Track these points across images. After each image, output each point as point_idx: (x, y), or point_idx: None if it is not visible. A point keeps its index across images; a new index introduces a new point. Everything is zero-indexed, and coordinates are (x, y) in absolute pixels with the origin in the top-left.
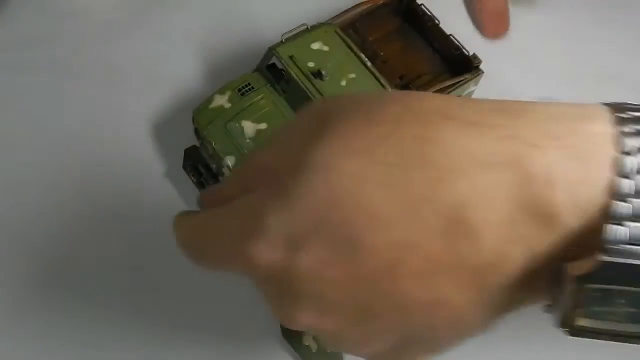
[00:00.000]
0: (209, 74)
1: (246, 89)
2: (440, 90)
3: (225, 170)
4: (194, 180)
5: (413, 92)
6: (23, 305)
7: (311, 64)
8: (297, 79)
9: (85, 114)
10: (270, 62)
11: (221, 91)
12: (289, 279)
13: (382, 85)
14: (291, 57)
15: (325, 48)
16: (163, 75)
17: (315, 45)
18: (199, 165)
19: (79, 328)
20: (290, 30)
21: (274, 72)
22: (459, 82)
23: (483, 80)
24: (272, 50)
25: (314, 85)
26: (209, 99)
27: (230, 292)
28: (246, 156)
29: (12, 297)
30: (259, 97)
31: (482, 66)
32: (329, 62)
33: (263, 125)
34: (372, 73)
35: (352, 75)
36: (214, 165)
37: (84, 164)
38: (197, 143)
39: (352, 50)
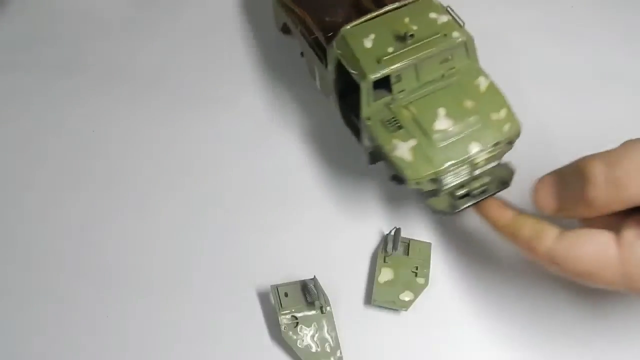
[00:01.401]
0: None
1: (393, 122)
2: None
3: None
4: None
5: None
6: None
7: (390, 49)
8: (401, 59)
9: (85, 114)
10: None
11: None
12: None
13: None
14: (368, 51)
15: (372, 36)
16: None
17: (368, 44)
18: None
19: None
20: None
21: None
22: None
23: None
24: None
25: (412, 49)
26: (397, 161)
27: (230, 292)
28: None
29: None
30: (397, 106)
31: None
32: (397, 34)
33: (442, 111)
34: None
35: (415, 28)
36: (477, 177)
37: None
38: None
39: (378, 16)
